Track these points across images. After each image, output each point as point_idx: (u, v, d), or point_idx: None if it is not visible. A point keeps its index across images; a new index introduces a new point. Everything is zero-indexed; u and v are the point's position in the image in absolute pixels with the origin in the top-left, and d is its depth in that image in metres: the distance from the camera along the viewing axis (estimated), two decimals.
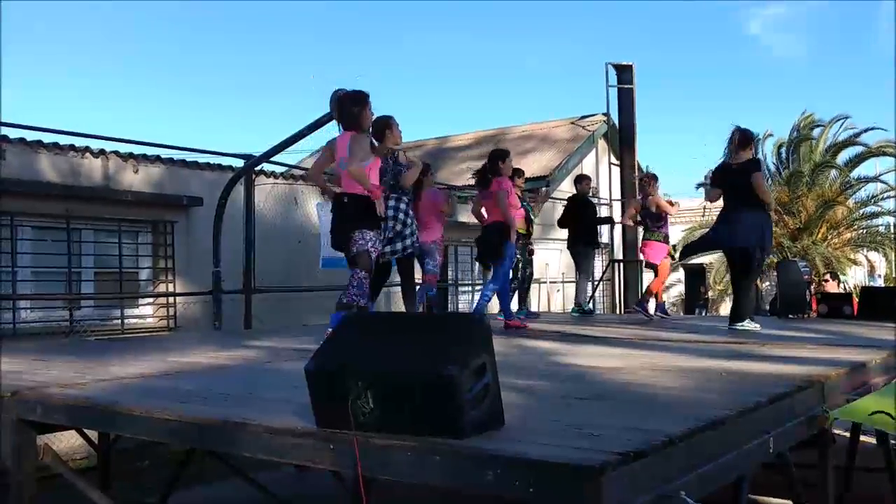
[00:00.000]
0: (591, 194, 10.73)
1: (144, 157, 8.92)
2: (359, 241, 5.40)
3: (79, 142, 8.24)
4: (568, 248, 9.58)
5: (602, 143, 16.96)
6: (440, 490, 2.06)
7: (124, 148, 8.65)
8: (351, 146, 5.34)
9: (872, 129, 20.10)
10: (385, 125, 5.89)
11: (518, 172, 8.38)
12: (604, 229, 14.05)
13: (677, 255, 8.82)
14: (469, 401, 2.10)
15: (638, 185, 9.47)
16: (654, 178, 8.97)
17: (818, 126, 20.84)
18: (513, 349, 5.06)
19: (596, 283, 14.85)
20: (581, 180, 9.78)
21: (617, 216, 15.62)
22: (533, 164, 15.24)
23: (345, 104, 5.48)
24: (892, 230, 23.51)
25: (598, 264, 15.73)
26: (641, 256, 9.21)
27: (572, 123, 17.50)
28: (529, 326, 6.96)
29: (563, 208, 9.72)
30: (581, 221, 9.41)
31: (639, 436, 2.12)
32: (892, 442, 4.27)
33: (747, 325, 6.40)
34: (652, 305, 8.71)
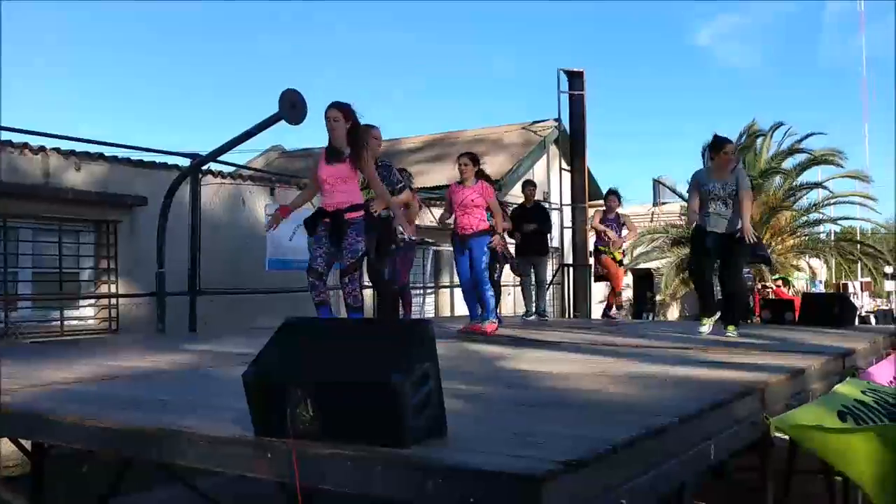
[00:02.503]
0: (542, 200, 10.84)
1: (87, 155, 8.70)
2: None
3: (17, 138, 8.00)
4: (517, 254, 9.58)
5: (553, 149, 17.06)
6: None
7: (66, 145, 8.43)
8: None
9: (812, 134, 20.69)
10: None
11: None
12: (553, 233, 14.12)
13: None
14: (411, 409, 2.07)
15: (605, 200, 9.77)
16: (617, 194, 9.57)
17: (761, 135, 21.31)
18: (460, 353, 5.04)
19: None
20: (526, 186, 9.84)
21: (567, 221, 15.77)
22: (484, 169, 15.25)
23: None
24: (832, 237, 24.17)
25: (549, 268, 15.86)
26: (598, 267, 9.58)
27: (524, 128, 17.56)
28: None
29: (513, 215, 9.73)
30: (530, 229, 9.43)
31: (583, 444, 2.11)
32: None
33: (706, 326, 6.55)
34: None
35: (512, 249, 9.45)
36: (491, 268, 7.66)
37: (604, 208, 9.57)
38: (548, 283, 10.05)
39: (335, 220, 5.45)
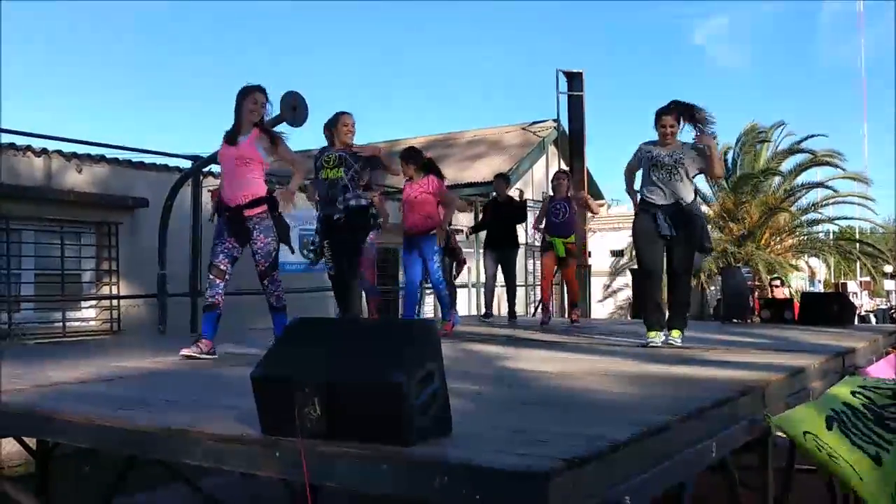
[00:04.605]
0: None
1: (89, 157, 8.73)
2: None
3: (20, 140, 8.03)
4: (485, 247, 9.11)
5: (552, 149, 17.09)
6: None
7: (68, 147, 8.45)
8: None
9: (813, 136, 20.70)
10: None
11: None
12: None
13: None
14: (416, 408, 2.09)
15: (552, 182, 8.76)
16: (567, 174, 9.00)
17: (762, 132, 21.35)
18: (460, 353, 5.07)
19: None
20: (497, 180, 9.23)
21: None
22: (483, 169, 15.28)
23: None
24: (831, 237, 24.21)
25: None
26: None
27: (523, 129, 17.60)
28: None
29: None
30: (498, 223, 8.82)
31: (585, 442, 2.14)
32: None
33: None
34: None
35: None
36: (446, 266, 7.43)
37: (551, 194, 8.48)
38: (516, 280, 9.34)
39: (235, 219, 4.99)
